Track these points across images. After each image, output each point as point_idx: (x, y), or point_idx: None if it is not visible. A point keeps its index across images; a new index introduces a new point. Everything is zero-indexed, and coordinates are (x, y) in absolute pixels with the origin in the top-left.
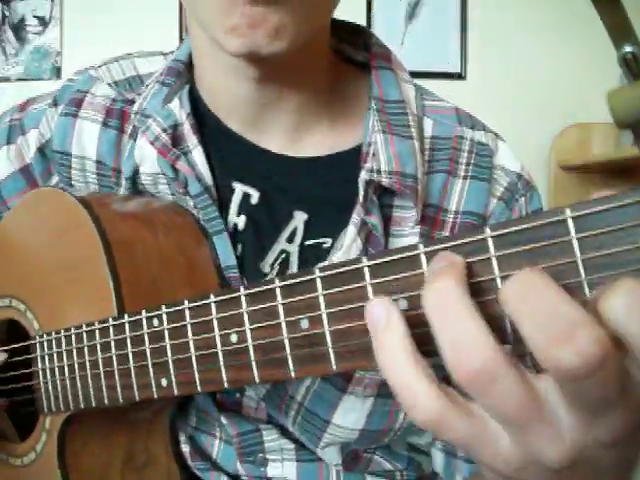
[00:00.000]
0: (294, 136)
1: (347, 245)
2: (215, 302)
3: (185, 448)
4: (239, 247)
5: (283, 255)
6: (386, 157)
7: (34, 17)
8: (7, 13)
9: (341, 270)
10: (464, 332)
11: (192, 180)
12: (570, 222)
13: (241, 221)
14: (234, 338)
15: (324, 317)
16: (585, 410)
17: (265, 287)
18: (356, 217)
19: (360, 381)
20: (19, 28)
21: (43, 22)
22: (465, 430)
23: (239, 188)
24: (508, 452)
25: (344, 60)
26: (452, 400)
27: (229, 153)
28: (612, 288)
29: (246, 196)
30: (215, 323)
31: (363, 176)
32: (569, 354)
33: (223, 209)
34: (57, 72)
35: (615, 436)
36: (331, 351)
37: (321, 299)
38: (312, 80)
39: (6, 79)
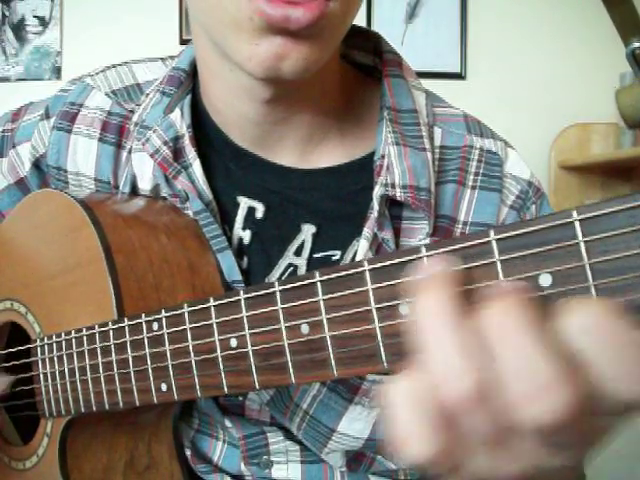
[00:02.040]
0: (304, 150)
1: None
2: (215, 306)
3: (187, 451)
4: (245, 260)
5: (291, 269)
6: (400, 170)
7: (34, 17)
8: (7, 13)
9: (342, 274)
10: (448, 355)
11: (193, 197)
12: (577, 225)
13: (246, 236)
14: (234, 343)
15: (324, 322)
16: (552, 446)
17: (265, 291)
18: (368, 231)
19: (367, 392)
20: (19, 28)
21: (43, 22)
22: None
23: (244, 202)
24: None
25: (351, 64)
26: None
27: (234, 167)
28: (572, 306)
29: (251, 210)
30: (215, 327)
31: (377, 191)
32: (540, 412)
33: (228, 223)
34: (57, 72)
35: (578, 460)
36: (332, 357)
37: (321, 304)
38: (324, 95)
39: (6, 79)
